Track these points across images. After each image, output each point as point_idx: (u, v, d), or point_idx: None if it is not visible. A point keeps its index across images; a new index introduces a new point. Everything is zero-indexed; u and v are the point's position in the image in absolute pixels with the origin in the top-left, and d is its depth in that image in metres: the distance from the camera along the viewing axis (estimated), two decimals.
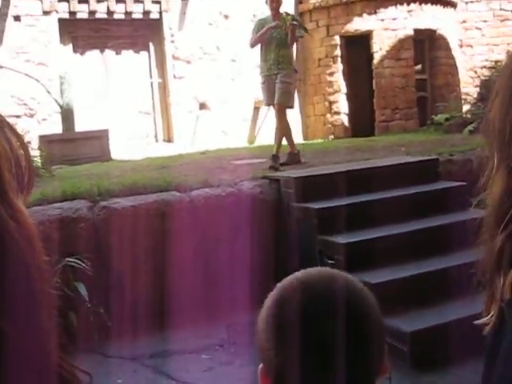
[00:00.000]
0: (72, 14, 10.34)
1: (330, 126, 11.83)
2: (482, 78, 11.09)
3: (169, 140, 11.08)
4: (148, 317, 4.77)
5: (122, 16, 10.72)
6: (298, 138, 11.66)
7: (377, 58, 11.60)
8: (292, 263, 5.01)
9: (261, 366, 0.92)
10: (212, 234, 5.17)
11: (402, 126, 11.41)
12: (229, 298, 4.80)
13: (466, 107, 11.29)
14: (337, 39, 11.65)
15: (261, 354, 0.92)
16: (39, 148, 7.69)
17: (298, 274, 0.94)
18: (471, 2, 13.64)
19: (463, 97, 11.89)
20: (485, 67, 11.38)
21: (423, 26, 11.77)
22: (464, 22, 13.51)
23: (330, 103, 11.80)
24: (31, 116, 9.97)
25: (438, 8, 12.08)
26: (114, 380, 4.12)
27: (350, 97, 11.69)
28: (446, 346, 3.88)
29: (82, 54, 10.72)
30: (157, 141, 11.09)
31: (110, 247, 4.81)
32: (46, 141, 8.39)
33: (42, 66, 10.07)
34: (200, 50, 11.22)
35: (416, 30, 11.70)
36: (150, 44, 11.19)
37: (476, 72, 11.80)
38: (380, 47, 11.58)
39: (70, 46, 10.59)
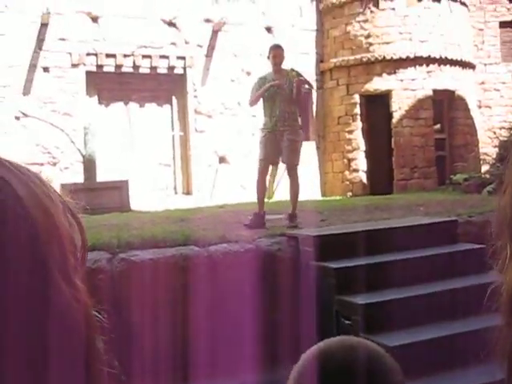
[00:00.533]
0: (99, 67, 10.66)
1: (348, 183, 11.89)
2: (501, 138, 11.15)
3: (188, 192, 11.19)
4: (163, 371, 4.73)
5: (148, 70, 11.02)
6: (316, 194, 11.75)
7: (396, 117, 11.73)
8: (309, 322, 4.97)
9: None
10: (229, 289, 5.16)
11: (421, 185, 11.43)
12: (243, 356, 4.75)
13: (484, 167, 11.32)
14: (356, 98, 11.84)
15: None
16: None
17: (321, 344, 0.95)
18: (490, 64, 13.84)
19: (482, 157, 11.93)
20: (503, 128, 11.46)
21: (442, 86, 11.93)
22: (483, 83, 13.68)
23: (349, 160, 11.89)
24: (54, 164, 10.17)
25: (457, 69, 12.25)
26: None
27: (369, 154, 11.79)
28: None
29: (106, 105, 10.98)
30: (176, 193, 11.21)
31: (127, 300, 4.81)
32: (67, 189, 8.51)
33: (68, 116, 10.33)
34: (221, 105, 11.45)
35: (435, 91, 11.85)
36: (173, 98, 11.45)
37: (495, 133, 11.88)
38: (399, 106, 11.72)
39: (96, 97, 10.87)
